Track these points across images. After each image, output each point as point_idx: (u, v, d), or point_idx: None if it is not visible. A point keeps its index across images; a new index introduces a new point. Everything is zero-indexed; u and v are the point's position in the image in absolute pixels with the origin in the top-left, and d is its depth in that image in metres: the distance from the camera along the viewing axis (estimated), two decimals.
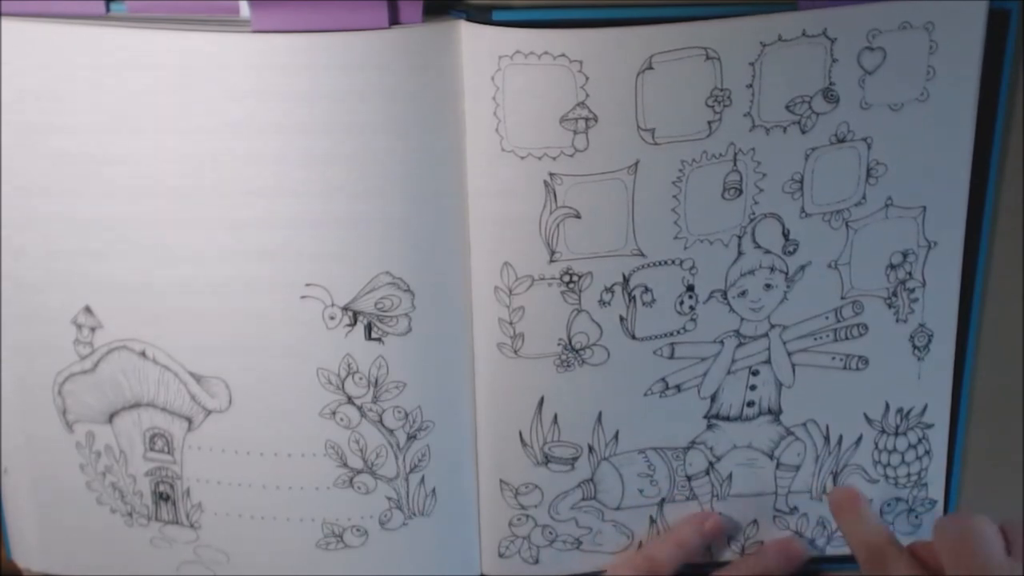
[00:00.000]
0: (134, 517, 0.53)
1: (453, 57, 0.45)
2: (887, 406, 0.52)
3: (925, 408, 0.52)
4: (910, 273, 0.50)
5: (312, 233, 0.47)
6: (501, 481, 0.51)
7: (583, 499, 0.52)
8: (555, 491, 0.51)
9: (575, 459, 0.51)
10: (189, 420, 0.50)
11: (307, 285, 0.48)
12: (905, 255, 0.49)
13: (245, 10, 0.46)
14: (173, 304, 0.48)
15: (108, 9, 0.46)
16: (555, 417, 0.50)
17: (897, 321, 0.50)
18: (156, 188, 0.47)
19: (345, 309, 0.48)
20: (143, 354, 0.49)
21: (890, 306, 0.50)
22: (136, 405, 0.51)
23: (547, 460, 0.51)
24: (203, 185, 0.46)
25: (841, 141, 0.47)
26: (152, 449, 0.51)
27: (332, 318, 0.48)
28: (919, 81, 0.46)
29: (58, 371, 0.51)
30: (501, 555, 0.53)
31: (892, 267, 0.50)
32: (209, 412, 0.50)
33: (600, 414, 0.50)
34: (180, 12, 0.46)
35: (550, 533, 0.52)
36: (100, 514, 0.53)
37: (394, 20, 0.45)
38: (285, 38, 0.44)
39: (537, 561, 0.53)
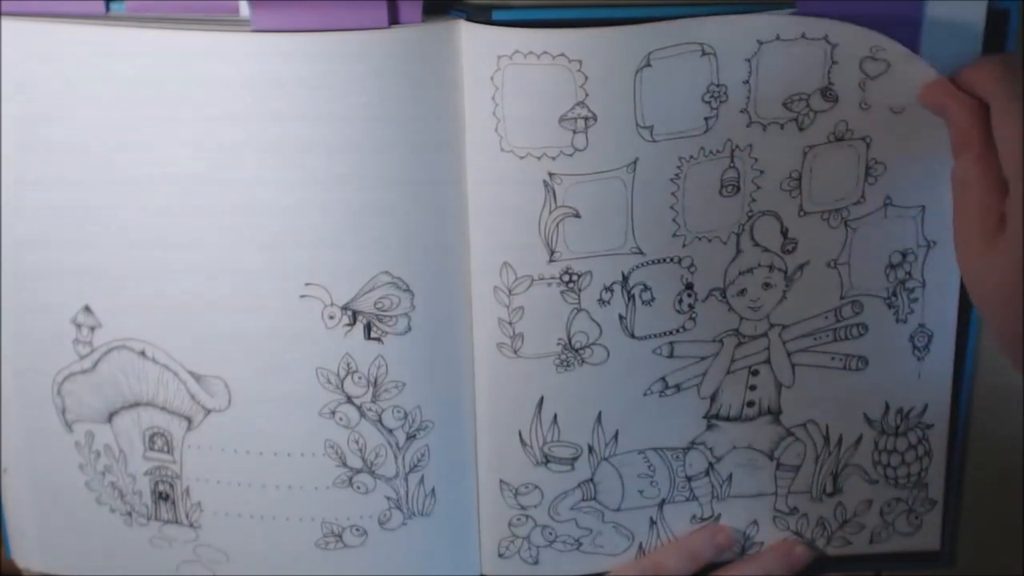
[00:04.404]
0: (133, 516, 0.53)
1: (453, 57, 0.45)
2: (887, 406, 0.51)
3: (925, 408, 0.52)
4: (909, 273, 0.49)
5: (311, 234, 0.47)
6: (501, 481, 0.51)
7: (583, 500, 0.52)
8: (555, 491, 0.51)
9: (575, 459, 0.51)
10: (188, 419, 0.50)
11: (306, 284, 0.48)
12: (904, 255, 0.49)
13: (245, 10, 0.46)
14: (172, 303, 0.48)
15: (108, 9, 0.47)
16: (555, 417, 0.50)
17: (897, 321, 0.50)
18: (155, 186, 0.47)
19: (344, 308, 0.48)
20: (142, 353, 0.49)
21: (890, 306, 0.50)
22: (135, 404, 0.51)
23: (547, 460, 0.51)
24: (200, 189, 0.47)
25: (840, 139, 0.47)
26: (151, 448, 0.51)
27: (331, 317, 0.48)
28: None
29: (57, 371, 0.51)
30: (501, 555, 0.53)
31: (892, 267, 0.49)
32: (208, 411, 0.50)
33: (600, 414, 0.50)
34: (180, 12, 0.46)
35: (550, 534, 0.52)
36: (99, 514, 0.53)
37: (394, 20, 0.45)
38: (285, 38, 0.44)
39: (537, 562, 0.53)
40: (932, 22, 0.45)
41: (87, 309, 0.49)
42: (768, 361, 0.50)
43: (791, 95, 0.46)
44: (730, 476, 0.52)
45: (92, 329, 0.50)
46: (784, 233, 0.48)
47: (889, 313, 0.50)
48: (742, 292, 0.49)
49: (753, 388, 0.51)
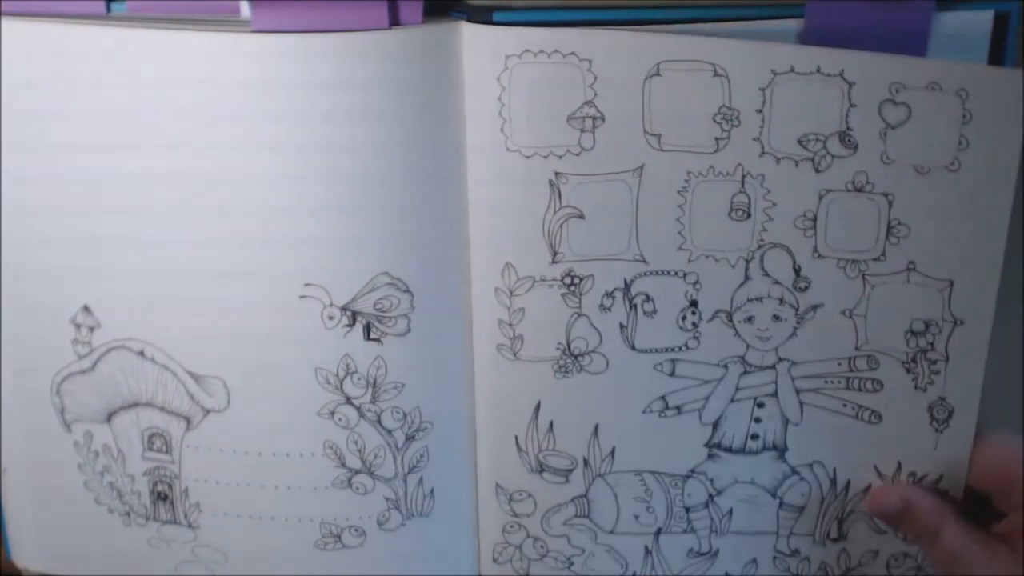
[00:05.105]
0: (132, 517, 0.53)
1: (453, 58, 0.45)
2: (899, 466, 0.49)
3: (940, 478, 0.49)
4: (932, 344, 0.47)
5: (311, 234, 0.47)
6: (497, 485, 0.51)
7: (576, 516, 0.51)
8: (548, 503, 0.51)
9: (569, 471, 0.50)
10: (187, 420, 0.50)
11: (306, 285, 0.48)
12: (928, 325, 0.47)
13: (245, 10, 0.46)
14: (172, 303, 0.48)
15: (109, 9, 0.47)
16: (551, 425, 0.49)
17: (916, 388, 0.48)
18: (155, 186, 0.47)
19: (344, 309, 0.48)
20: (142, 353, 0.49)
21: (908, 371, 0.48)
22: (134, 404, 0.51)
23: (542, 468, 0.50)
24: (200, 188, 0.47)
25: (859, 190, 0.45)
26: (150, 449, 0.51)
27: (331, 318, 0.48)
28: (950, 149, 0.44)
29: (56, 370, 0.51)
30: (495, 560, 0.53)
31: (913, 333, 0.47)
32: (207, 412, 0.50)
33: (596, 426, 0.49)
34: (180, 12, 0.46)
35: (541, 547, 0.52)
36: (98, 514, 0.53)
37: (394, 21, 0.45)
38: (285, 38, 0.44)
39: (528, 574, 0.52)
40: (939, 31, 0.44)
41: (86, 309, 0.49)
42: (775, 395, 0.49)
43: (807, 133, 0.45)
44: (730, 511, 0.51)
45: (91, 329, 0.50)
46: (796, 270, 0.47)
47: (908, 377, 0.48)
48: (750, 319, 0.48)
49: (758, 421, 0.49)
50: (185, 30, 0.45)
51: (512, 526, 0.52)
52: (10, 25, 0.45)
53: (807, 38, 0.44)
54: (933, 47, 0.44)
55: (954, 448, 0.48)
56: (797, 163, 0.45)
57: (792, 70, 0.44)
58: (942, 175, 0.45)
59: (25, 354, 0.51)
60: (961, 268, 0.46)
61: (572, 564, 0.52)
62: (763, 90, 0.44)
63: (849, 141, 0.45)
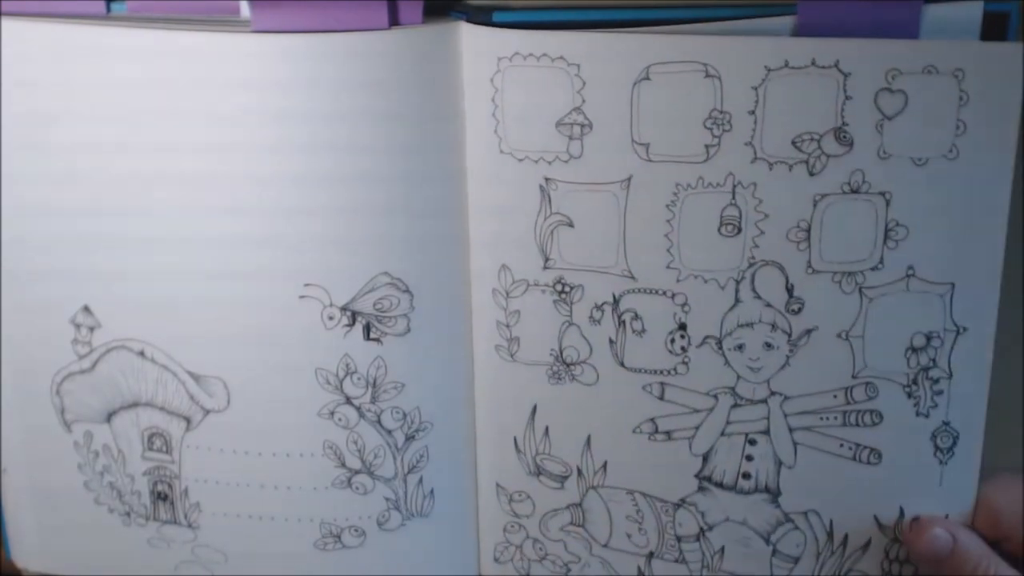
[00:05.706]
0: (132, 517, 0.53)
1: (453, 58, 0.45)
2: (901, 512, 0.47)
3: (946, 518, 0.46)
4: (934, 360, 0.45)
5: (311, 234, 0.47)
6: (497, 485, 0.51)
7: (572, 523, 0.51)
8: (545, 506, 0.51)
9: (564, 478, 0.50)
10: (187, 420, 0.50)
11: (306, 285, 0.48)
12: (929, 338, 0.45)
13: (245, 10, 0.46)
14: (172, 303, 0.48)
15: (109, 9, 0.47)
16: (546, 429, 0.49)
17: (917, 414, 0.45)
18: (155, 186, 0.47)
19: (344, 309, 0.48)
20: (142, 354, 0.50)
21: (910, 395, 0.45)
22: (134, 404, 0.51)
23: (539, 472, 0.50)
24: (200, 188, 0.47)
25: (855, 191, 0.43)
26: (150, 449, 0.51)
27: (331, 318, 0.48)
28: (947, 136, 0.42)
29: (56, 370, 0.51)
30: (496, 560, 0.53)
31: (913, 350, 0.45)
32: (207, 412, 0.50)
33: (589, 437, 0.49)
34: (180, 12, 0.47)
35: (540, 549, 0.52)
36: (98, 514, 0.53)
37: (394, 21, 0.45)
38: (285, 38, 0.44)
39: (528, 574, 0.52)
40: (930, 26, 0.43)
41: (86, 309, 0.49)
42: (767, 432, 0.47)
43: (801, 133, 0.43)
44: (722, 549, 0.49)
45: (91, 329, 0.50)
46: (789, 290, 0.45)
47: (908, 403, 0.45)
48: (740, 347, 0.46)
49: (750, 459, 0.47)
50: (185, 30, 0.45)
51: (513, 526, 0.52)
52: (10, 25, 0.46)
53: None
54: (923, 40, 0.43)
55: (960, 480, 0.46)
56: (791, 167, 0.44)
57: (786, 65, 0.42)
58: (940, 165, 0.43)
59: (25, 354, 0.51)
60: (962, 267, 0.44)
61: (569, 570, 0.52)
62: (756, 89, 0.43)
63: (844, 138, 0.43)
